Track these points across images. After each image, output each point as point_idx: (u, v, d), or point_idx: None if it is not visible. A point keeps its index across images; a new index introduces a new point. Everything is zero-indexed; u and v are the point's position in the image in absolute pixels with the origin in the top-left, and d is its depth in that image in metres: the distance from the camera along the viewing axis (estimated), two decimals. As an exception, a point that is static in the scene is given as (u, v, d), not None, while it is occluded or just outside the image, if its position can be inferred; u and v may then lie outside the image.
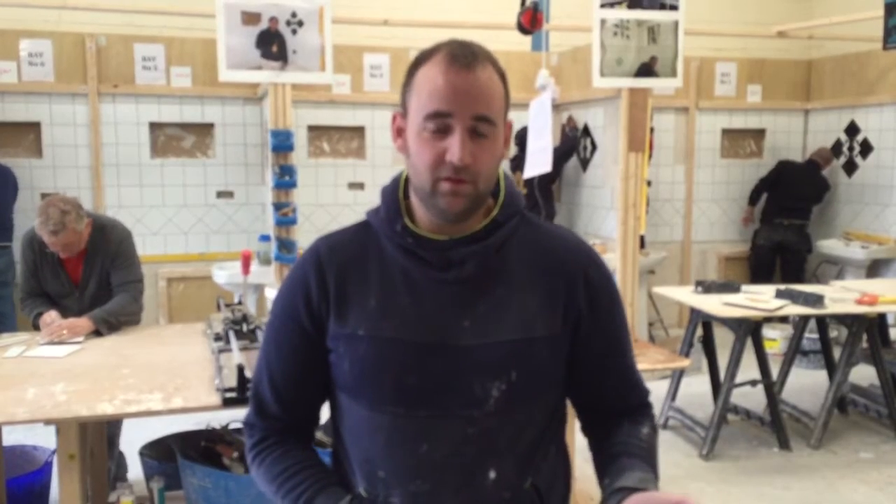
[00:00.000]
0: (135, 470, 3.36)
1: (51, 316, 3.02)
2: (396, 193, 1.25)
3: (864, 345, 4.19)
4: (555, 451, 1.31)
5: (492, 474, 1.20)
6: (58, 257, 3.14)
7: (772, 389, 4.09)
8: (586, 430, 1.37)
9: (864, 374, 4.61)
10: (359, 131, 5.80)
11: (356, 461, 1.25)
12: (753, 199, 6.45)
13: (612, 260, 4.92)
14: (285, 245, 4.46)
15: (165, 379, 2.47)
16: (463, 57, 1.14)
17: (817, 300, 3.91)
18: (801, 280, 6.09)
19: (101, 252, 3.18)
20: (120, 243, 3.22)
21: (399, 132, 1.22)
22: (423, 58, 1.18)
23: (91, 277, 3.19)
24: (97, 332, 3.03)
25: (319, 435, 2.91)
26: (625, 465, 1.21)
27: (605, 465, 1.26)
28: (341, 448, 1.29)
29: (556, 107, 5.58)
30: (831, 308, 3.96)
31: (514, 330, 1.20)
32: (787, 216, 6.17)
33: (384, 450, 1.20)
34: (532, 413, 1.23)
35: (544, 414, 1.26)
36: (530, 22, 3.85)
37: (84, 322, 3.00)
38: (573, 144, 5.74)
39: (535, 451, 1.25)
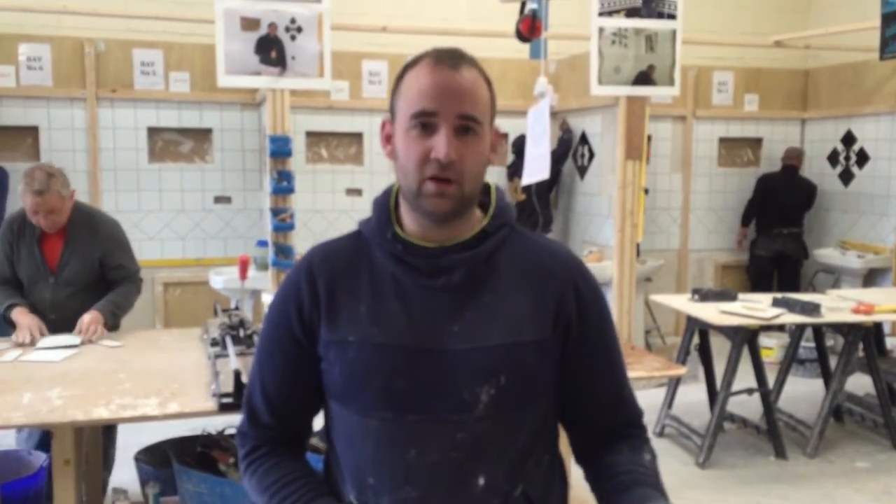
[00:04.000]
0: (130, 475, 3.35)
1: (26, 324, 2.95)
2: (388, 203, 1.27)
3: (861, 354, 4.19)
4: (548, 461, 1.30)
5: (481, 481, 1.19)
6: (37, 238, 3.09)
7: (768, 398, 4.09)
8: (580, 456, 1.35)
9: (860, 384, 4.61)
10: (357, 137, 5.81)
11: (347, 469, 1.25)
12: (746, 221, 6.46)
13: (609, 268, 4.94)
14: (282, 250, 4.46)
15: (161, 384, 2.46)
16: (448, 59, 1.18)
17: (814, 309, 3.92)
18: (797, 287, 6.11)
19: (84, 239, 3.13)
20: (112, 232, 3.19)
21: (388, 139, 1.25)
22: (410, 64, 1.22)
23: (69, 263, 3.12)
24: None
25: (315, 441, 2.91)
26: (640, 496, 1.20)
27: (614, 496, 1.23)
28: (333, 456, 1.30)
29: (554, 114, 5.59)
30: (828, 317, 3.96)
31: (502, 334, 1.20)
32: (784, 225, 6.19)
33: (373, 456, 1.20)
34: (522, 419, 1.23)
35: (535, 420, 1.25)
36: (529, 30, 3.87)
37: (99, 317, 3.00)
38: (568, 146, 5.75)
39: (527, 458, 1.24)
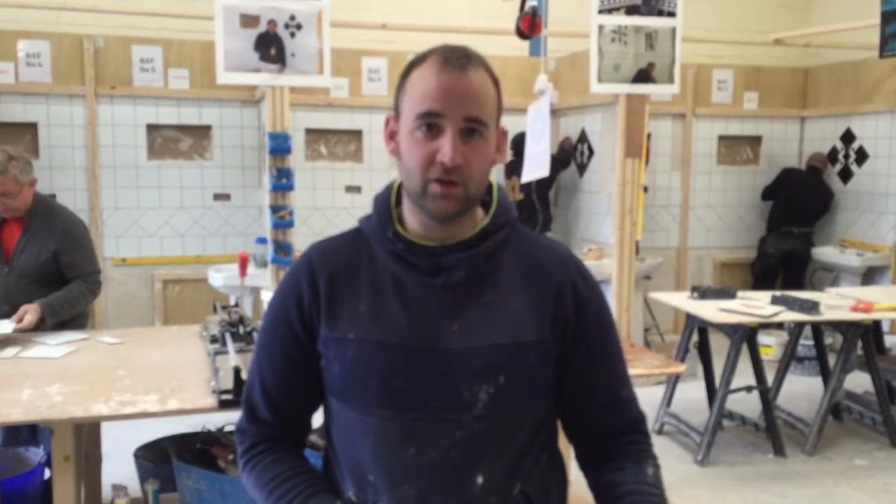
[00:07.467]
0: (130, 472, 3.35)
1: None
2: (388, 200, 1.26)
3: (859, 352, 4.20)
4: (547, 460, 1.30)
5: (479, 479, 1.19)
6: None
7: (767, 396, 4.10)
8: (582, 460, 1.34)
9: (858, 381, 4.61)
10: (356, 135, 5.81)
11: (346, 466, 1.25)
12: (764, 198, 6.51)
13: (608, 266, 4.94)
14: (282, 248, 4.45)
15: (161, 381, 2.46)
16: (456, 59, 1.16)
17: (813, 307, 3.92)
18: (801, 286, 6.12)
19: (41, 231, 3.09)
20: (68, 228, 3.14)
21: (392, 135, 1.24)
22: (416, 61, 1.20)
23: (23, 252, 3.08)
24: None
25: (315, 438, 2.91)
26: None
27: None
28: (332, 453, 1.30)
29: (554, 112, 5.59)
30: (827, 315, 3.97)
31: (502, 334, 1.20)
32: (797, 224, 6.22)
33: (372, 453, 1.21)
34: (521, 418, 1.23)
35: (534, 420, 1.25)
36: (529, 27, 3.85)
37: (36, 309, 2.95)
38: (569, 155, 5.77)
39: (525, 456, 1.24)
